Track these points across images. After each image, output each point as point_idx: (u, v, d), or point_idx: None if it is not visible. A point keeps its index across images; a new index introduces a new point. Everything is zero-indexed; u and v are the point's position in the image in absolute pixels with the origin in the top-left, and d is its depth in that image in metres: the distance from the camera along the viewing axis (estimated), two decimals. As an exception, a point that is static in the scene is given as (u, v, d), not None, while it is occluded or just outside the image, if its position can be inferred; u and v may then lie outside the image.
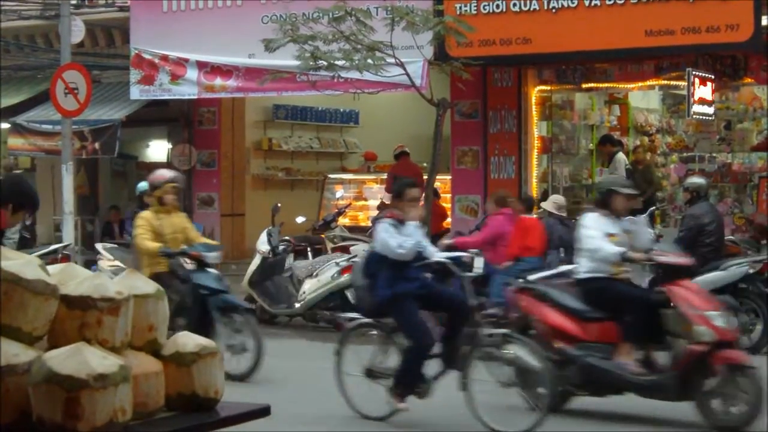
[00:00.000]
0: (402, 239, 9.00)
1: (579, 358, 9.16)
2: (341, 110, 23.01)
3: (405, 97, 17.89)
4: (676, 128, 19.81)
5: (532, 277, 10.00)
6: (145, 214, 11.38)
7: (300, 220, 17.15)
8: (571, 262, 13.10)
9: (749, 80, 16.49)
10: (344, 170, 22.37)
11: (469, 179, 17.56)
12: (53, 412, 3.80)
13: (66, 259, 14.65)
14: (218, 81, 17.69)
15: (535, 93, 17.47)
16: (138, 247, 11.22)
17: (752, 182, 17.14)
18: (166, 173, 11.78)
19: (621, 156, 17.61)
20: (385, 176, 18.99)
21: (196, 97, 18.38)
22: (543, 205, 14.66)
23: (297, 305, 14.63)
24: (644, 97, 19.91)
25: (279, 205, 16.11)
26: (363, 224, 19.08)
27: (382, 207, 18.74)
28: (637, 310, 9.07)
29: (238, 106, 20.54)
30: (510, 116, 17.36)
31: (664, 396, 9.06)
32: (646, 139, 19.81)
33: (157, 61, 18.18)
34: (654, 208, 16.19)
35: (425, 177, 16.07)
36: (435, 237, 15.44)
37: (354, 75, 15.14)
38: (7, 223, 6.04)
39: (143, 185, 14.31)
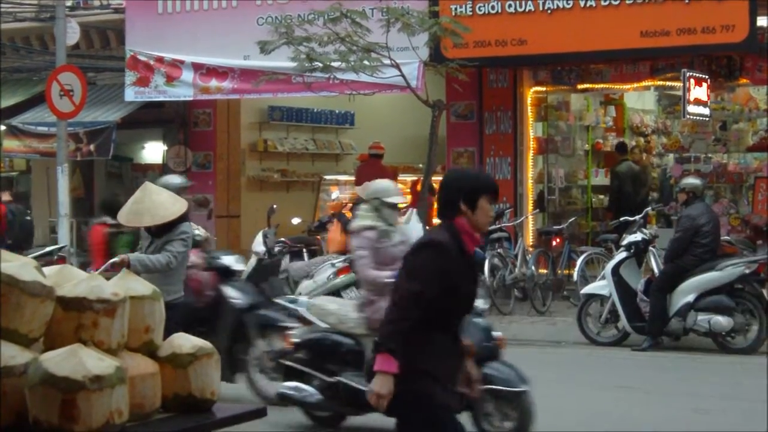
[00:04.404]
0: None
1: None
2: (337, 112, 22.99)
3: (401, 98, 17.88)
4: (672, 129, 19.81)
5: None
6: None
7: (296, 221, 17.15)
8: None
9: (745, 81, 16.51)
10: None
11: (464, 180, 17.53)
12: (50, 414, 3.80)
13: (62, 261, 14.64)
14: (213, 82, 17.67)
15: (530, 94, 17.47)
16: None
17: (748, 183, 17.15)
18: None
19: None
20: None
21: (191, 98, 18.36)
22: (357, 190, 15.57)
23: (293, 306, 14.64)
24: (640, 98, 19.92)
25: (275, 206, 16.10)
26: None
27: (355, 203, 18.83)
28: None
29: (233, 108, 20.51)
30: (505, 117, 17.36)
31: None
32: (642, 139, 19.83)
33: (152, 62, 18.15)
34: (649, 209, 16.21)
35: (417, 178, 16.06)
36: None
37: (349, 76, 15.14)
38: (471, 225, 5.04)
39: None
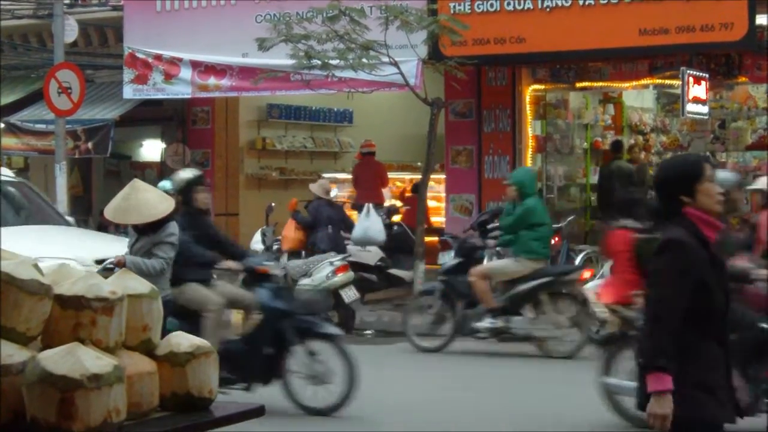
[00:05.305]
0: None
1: None
2: (335, 110, 22.98)
3: (399, 96, 17.87)
4: (671, 127, 19.83)
5: None
6: None
7: (294, 219, 17.11)
8: (337, 238, 15.26)
9: (743, 79, 16.49)
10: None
11: (463, 179, 17.54)
12: (47, 413, 3.78)
13: (60, 258, 14.61)
14: (212, 80, 17.65)
15: (529, 92, 17.45)
16: None
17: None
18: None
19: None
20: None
21: (189, 96, 18.34)
22: (311, 187, 16.07)
23: (291, 305, 14.63)
24: (638, 96, 19.92)
25: (273, 204, 16.12)
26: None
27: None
28: None
29: (231, 106, 20.50)
30: (504, 115, 17.35)
31: None
32: (640, 138, 19.83)
33: (150, 60, 18.13)
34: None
35: (417, 177, 16.04)
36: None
37: (348, 74, 15.13)
38: None
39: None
